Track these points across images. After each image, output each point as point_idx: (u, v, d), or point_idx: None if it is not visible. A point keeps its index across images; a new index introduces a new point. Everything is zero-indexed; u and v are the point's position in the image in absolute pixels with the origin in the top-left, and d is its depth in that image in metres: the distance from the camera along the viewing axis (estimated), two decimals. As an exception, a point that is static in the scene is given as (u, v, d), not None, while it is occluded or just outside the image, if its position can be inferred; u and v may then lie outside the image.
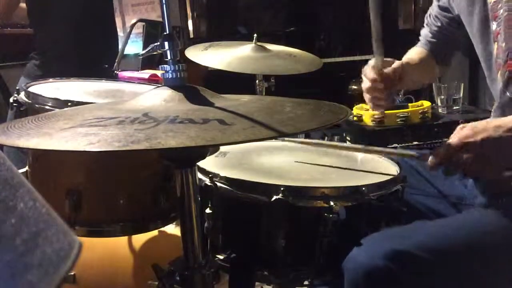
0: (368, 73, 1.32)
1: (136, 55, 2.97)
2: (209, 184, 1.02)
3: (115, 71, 2.06)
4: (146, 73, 2.18)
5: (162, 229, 1.28)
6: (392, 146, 2.19)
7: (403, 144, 2.22)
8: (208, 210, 1.02)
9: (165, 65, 0.78)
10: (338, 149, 1.30)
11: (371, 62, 1.32)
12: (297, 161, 1.21)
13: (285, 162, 1.21)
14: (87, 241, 1.13)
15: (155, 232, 1.33)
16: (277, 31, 3.80)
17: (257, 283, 1.18)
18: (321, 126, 0.71)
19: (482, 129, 0.97)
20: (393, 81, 1.32)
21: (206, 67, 2.13)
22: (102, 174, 1.08)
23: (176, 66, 0.78)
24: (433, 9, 1.44)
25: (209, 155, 0.83)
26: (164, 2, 0.78)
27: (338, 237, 0.97)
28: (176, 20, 3.74)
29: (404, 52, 1.50)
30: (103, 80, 1.51)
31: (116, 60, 2.06)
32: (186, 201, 0.81)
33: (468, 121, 2.18)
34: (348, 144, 1.37)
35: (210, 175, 1.03)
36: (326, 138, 2.50)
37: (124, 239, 1.31)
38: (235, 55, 1.72)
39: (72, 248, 0.32)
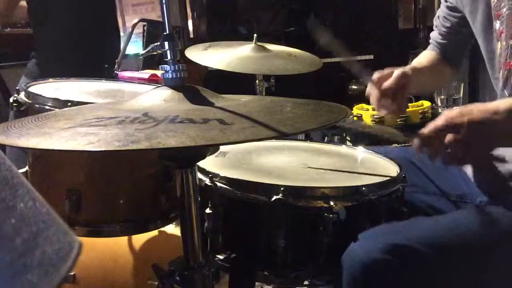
0: (371, 95, 1.29)
1: (136, 55, 2.97)
2: (209, 184, 1.02)
3: (115, 71, 2.06)
4: (146, 73, 2.18)
5: (162, 229, 1.27)
6: (392, 146, 2.19)
7: (403, 145, 2.22)
8: (208, 210, 1.02)
9: (165, 65, 0.78)
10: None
11: (369, 86, 1.30)
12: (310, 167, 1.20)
13: (285, 162, 1.21)
14: (87, 241, 1.13)
15: (155, 232, 1.33)
16: (277, 31, 3.80)
17: (257, 283, 1.18)
18: (321, 126, 0.71)
19: (468, 111, 0.97)
20: (399, 90, 1.28)
21: (206, 67, 2.13)
22: (102, 174, 1.08)
23: (176, 66, 0.78)
24: (442, 10, 1.43)
25: (209, 155, 0.83)
26: (164, 2, 0.78)
27: (338, 237, 0.97)
28: (176, 20, 3.75)
29: (404, 52, 1.50)
30: (103, 80, 1.51)
31: (117, 60, 2.06)
32: (186, 201, 0.81)
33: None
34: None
35: (210, 175, 1.03)
36: (326, 138, 2.50)
37: (124, 239, 1.31)
38: (235, 55, 1.72)
39: (72, 248, 0.32)
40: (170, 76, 0.78)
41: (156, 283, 0.87)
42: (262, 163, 1.19)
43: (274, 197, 0.96)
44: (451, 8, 1.38)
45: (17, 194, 0.33)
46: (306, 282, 1.08)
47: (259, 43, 1.77)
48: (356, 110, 2.36)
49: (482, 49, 1.23)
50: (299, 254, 1.02)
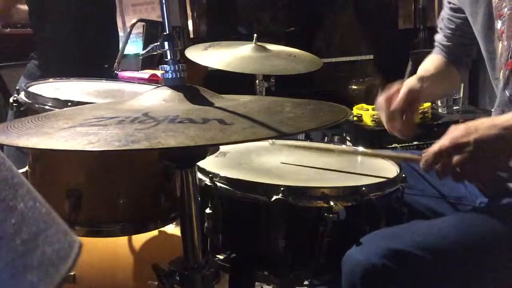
0: (381, 115, 1.26)
1: (136, 55, 2.97)
2: (209, 184, 1.02)
3: (115, 71, 2.06)
4: (146, 73, 2.18)
5: (162, 229, 1.27)
6: (392, 146, 2.20)
7: (403, 144, 2.23)
8: (208, 210, 1.02)
9: (165, 65, 0.78)
10: (338, 153, 1.28)
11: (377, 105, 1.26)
12: (284, 163, 1.20)
13: (285, 162, 1.21)
14: (87, 241, 1.13)
15: (155, 232, 1.33)
16: (277, 31, 3.80)
17: (257, 283, 1.18)
18: (321, 126, 0.71)
19: (475, 129, 0.96)
20: (408, 108, 1.24)
21: (206, 67, 2.13)
22: (102, 174, 1.08)
23: (176, 66, 0.78)
24: (445, 12, 1.40)
25: (209, 155, 0.83)
26: (164, 2, 0.78)
27: (338, 237, 0.97)
28: (176, 20, 3.75)
29: (404, 52, 1.49)
30: (103, 80, 1.51)
31: (116, 60, 2.06)
32: (186, 201, 0.81)
33: (468, 121, 2.19)
34: (346, 147, 1.34)
35: (210, 175, 1.03)
36: (326, 138, 2.50)
37: (124, 239, 1.31)
38: (235, 55, 1.72)
39: (72, 248, 0.32)
40: (170, 76, 0.78)
41: (156, 283, 0.88)
42: (262, 163, 1.19)
43: (274, 197, 0.96)
44: (455, 10, 1.35)
45: (17, 194, 0.33)
46: (306, 282, 1.08)
47: (259, 43, 1.77)
48: (356, 110, 2.36)
49: (482, 50, 1.22)
50: (299, 254, 1.02)
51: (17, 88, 1.24)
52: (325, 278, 1.06)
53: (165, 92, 0.76)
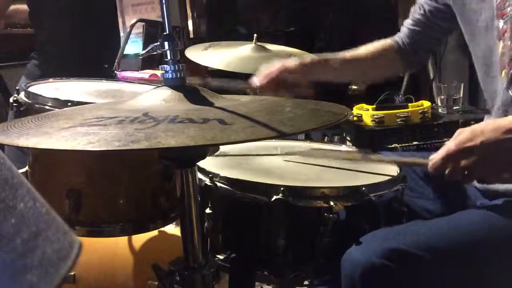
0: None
1: (136, 55, 2.96)
2: (209, 184, 1.02)
3: (115, 71, 2.06)
4: (146, 73, 2.18)
5: (162, 229, 1.27)
6: (392, 146, 2.19)
7: (403, 144, 2.22)
8: (208, 210, 1.02)
9: (165, 65, 0.78)
10: (343, 157, 1.27)
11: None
12: (288, 160, 1.20)
13: (285, 162, 1.21)
14: (87, 241, 1.13)
15: (155, 232, 1.33)
16: (277, 31, 3.80)
17: (257, 283, 1.18)
18: (321, 126, 0.71)
19: (480, 132, 0.96)
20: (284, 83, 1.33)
21: (206, 67, 2.13)
22: (102, 174, 1.08)
23: (176, 66, 0.78)
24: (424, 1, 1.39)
25: (209, 155, 0.83)
26: (164, 2, 0.78)
27: (338, 237, 0.97)
28: (176, 20, 3.74)
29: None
30: (103, 80, 1.51)
31: (116, 60, 2.06)
32: (186, 201, 0.81)
33: (468, 121, 2.18)
34: (351, 150, 1.34)
35: (210, 175, 1.03)
36: (326, 138, 2.50)
37: (124, 239, 1.31)
38: (235, 55, 1.72)
39: (72, 248, 0.32)
40: (170, 76, 0.78)
41: (156, 283, 0.88)
42: (262, 163, 1.19)
43: (274, 197, 0.96)
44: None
45: (17, 194, 0.33)
46: (306, 282, 1.08)
47: (259, 43, 1.77)
48: (356, 110, 2.36)
49: (474, 48, 1.22)
50: (299, 254, 1.02)
51: (17, 88, 1.24)
52: (325, 278, 1.06)
53: (165, 92, 0.76)
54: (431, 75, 2.96)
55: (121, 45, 2.24)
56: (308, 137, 1.89)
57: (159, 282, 0.87)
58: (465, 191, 1.21)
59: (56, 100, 1.12)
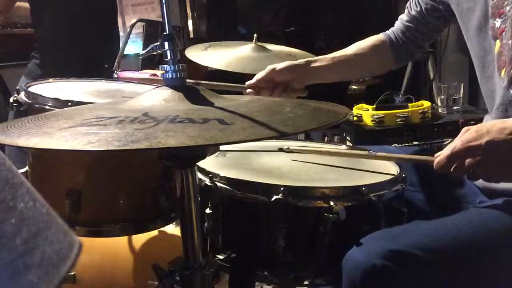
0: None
1: (136, 55, 2.96)
2: (209, 184, 1.02)
3: (115, 71, 2.05)
4: (146, 73, 2.18)
5: (162, 229, 1.28)
6: (392, 146, 2.19)
7: (403, 145, 2.22)
8: (208, 210, 1.02)
9: (165, 65, 0.78)
10: (345, 156, 1.27)
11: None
12: (294, 160, 1.20)
13: (285, 162, 1.21)
14: (87, 241, 1.13)
15: (155, 232, 1.33)
16: (277, 31, 3.80)
17: (257, 283, 1.17)
18: (321, 126, 0.71)
19: (486, 131, 0.96)
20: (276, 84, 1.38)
21: (206, 67, 2.13)
22: (102, 174, 1.08)
23: (176, 66, 0.78)
24: None
25: (209, 155, 0.83)
26: (164, 2, 0.78)
27: (338, 237, 0.97)
28: (176, 20, 3.74)
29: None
30: (103, 80, 1.51)
31: (116, 60, 2.06)
32: (186, 201, 0.81)
33: (468, 121, 2.19)
34: (354, 150, 1.33)
35: (210, 175, 1.03)
36: (326, 138, 2.50)
37: (124, 239, 1.31)
38: (235, 55, 1.72)
39: (72, 248, 0.32)
40: (170, 76, 0.78)
41: (156, 283, 0.88)
42: (262, 163, 1.19)
43: (274, 197, 0.96)
44: None
45: (17, 194, 0.32)
46: (306, 282, 1.08)
47: (259, 43, 1.77)
48: (356, 110, 2.36)
49: (471, 47, 1.22)
50: (299, 254, 1.02)
51: (17, 88, 1.25)
52: (325, 278, 1.05)
53: (165, 92, 0.76)
54: (431, 75, 2.96)
55: (122, 45, 2.23)
56: (308, 137, 1.89)
57: (159, 282, 0.87)
58: (465, 189, 1.21)
59: (56, 100, 1.12)
